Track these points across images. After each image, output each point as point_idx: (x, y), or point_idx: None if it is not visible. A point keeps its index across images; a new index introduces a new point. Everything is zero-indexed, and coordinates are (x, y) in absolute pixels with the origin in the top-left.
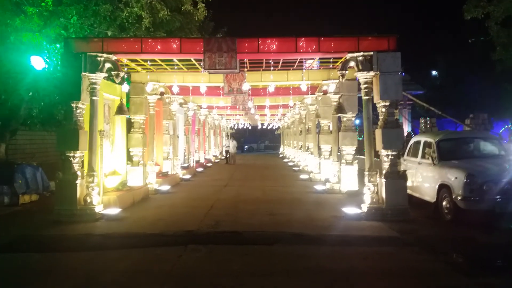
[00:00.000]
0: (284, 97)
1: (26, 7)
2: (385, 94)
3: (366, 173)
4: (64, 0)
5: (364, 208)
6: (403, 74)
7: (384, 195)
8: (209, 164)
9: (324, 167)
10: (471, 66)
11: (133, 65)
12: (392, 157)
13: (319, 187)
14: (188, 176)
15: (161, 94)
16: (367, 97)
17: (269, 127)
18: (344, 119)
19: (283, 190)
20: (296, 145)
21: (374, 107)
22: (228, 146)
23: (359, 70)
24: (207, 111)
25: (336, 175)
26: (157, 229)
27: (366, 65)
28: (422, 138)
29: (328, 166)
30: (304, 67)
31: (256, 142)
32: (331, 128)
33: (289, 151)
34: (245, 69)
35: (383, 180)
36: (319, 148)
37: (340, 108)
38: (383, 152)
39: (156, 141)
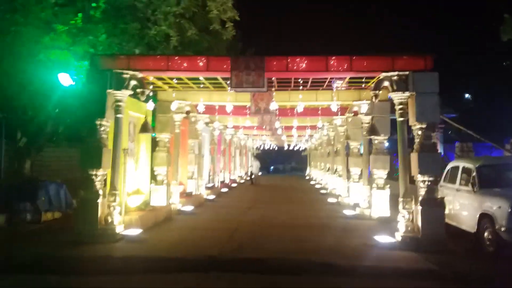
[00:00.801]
0: (312, 118)
1: (56, 25)
2: (421, 116)
3: (400, 199)
4: (93, 18)
5: (398, 236)
6: None
7: (420, 224)
8: (234, 185)
9: (353, 190)
10: (506, 89)
11: (159, 83)
12: (429, 183)
13: (348, 212)
14: (212, 197)
15: (187, 112)
16: (402, 119)
17: (295, 148)
18: (376, 141)
19: (310, 214)
20: (324, 167)
21: (409, 129)
22: (252, 166)
23: (393, 90)
24: (233, 131)
25: (367, 200)
26: (178, 252)
27: (401, 85)
28: (461, 164)
29: (358, 190)
30: (333, 87)
31: (283, 163)
32: (361, 151)
33: (316, 173)
34: (273, 88)
35: (419, 208)
36: (348, 171)
37: (372, 130)
38: (419, 178)
39: (181, 161)
